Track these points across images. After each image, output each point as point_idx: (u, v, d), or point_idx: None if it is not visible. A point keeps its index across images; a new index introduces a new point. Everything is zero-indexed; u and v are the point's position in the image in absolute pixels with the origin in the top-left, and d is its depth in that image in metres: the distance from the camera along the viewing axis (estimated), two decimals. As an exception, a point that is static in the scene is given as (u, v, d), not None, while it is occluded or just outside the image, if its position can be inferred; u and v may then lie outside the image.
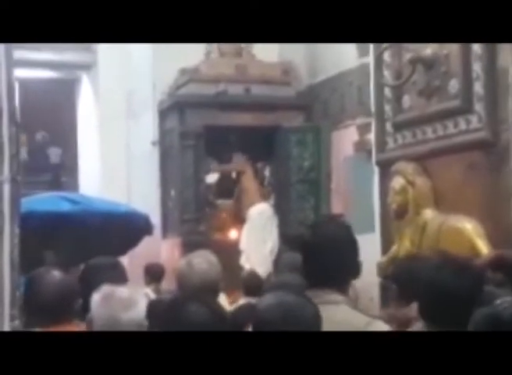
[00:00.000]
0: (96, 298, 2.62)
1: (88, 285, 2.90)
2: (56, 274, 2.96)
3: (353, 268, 2.66)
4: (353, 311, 2.63)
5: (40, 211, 5.69)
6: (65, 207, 6.01)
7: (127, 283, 3.25)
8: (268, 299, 2.25)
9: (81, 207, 6.07)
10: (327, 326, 2.27)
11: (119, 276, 3.36)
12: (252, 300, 4.19)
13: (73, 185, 12.12)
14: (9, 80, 2.48)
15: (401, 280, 3.00)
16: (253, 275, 4.42)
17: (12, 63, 2.50)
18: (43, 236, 5.50)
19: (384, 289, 4.69)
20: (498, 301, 2.39)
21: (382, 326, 2.61)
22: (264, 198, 8.49)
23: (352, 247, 2.69)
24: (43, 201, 6.09)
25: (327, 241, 2.66)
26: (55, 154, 13.60)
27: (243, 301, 5.15)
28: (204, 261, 3.36)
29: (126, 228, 6.63)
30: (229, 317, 2.72)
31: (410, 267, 3.05)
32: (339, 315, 2.54)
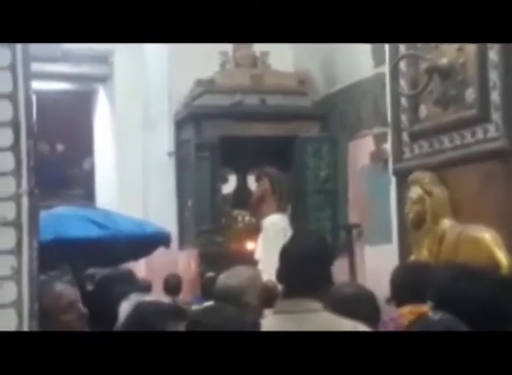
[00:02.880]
0: (126, 307, 2.63)
1: (104, 294, 2.90)
2: (59, 287, 2.95)
3: (327, 277, 2.84)
4: (335, 316, 2.73)
5: (69, 238, 5.70)
6: (94, 232, 5.98)
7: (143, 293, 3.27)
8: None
9: (109, 232, 6.06)
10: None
11: (133, 287, 3.38)
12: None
13: (90, 196, 12.17)
14: (27, 94, 2.49)
15: (399, 283, 3.15)
16: (268, 286, 4.42)
17: (29, 77, 2.51)
18: (71, 261, 5.50)
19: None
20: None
21: (366, 329, 2.74)
22: (281, 208, 8.48)
23: (327, 257, 2.89)
24: (71, 225, 6.04)
25: (304, 252, 2.82)
26: (87, 164, 13.44)
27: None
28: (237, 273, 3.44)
29: (150, 247, 6.73)
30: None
31: (415, 272, 3.19)
32: (322, 321, 2.62)
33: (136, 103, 10.00)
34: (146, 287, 7.57)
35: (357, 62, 8.01)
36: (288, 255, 2.87)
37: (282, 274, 2.86)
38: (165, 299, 7.12)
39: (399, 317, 3.11)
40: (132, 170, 10.08)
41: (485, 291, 2.56)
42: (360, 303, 2.99)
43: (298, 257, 2.81)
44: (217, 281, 3.40)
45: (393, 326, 2.98)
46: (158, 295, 7.55)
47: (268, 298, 4.32)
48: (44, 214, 6.53)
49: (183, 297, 7.50)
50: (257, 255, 8.12)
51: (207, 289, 5.47)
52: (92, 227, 6.06)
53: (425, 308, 2.92)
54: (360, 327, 2.77)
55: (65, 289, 3.01)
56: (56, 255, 5.17)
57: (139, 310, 2.41)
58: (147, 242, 6.65)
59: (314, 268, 2.79)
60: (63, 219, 6.17)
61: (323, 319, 2.71)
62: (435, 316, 2.40)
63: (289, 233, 8.08)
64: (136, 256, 7.07)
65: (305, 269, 2.76)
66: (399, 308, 3.17)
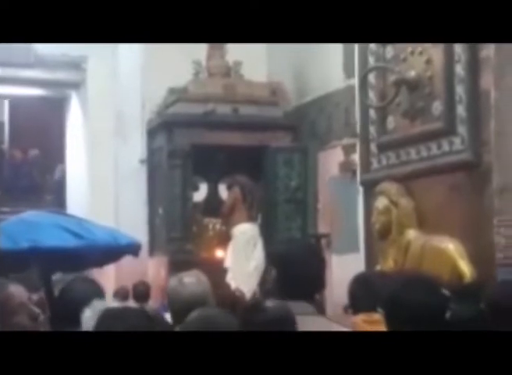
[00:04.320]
0: (89, 314, 2.65)
1: (68, 300, 2.92)
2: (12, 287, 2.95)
3: (320, 282, 3.00)
4: (328, 320, 2.81)
5: (45, 247, 5.71)
6: (71, 242, 5.98)
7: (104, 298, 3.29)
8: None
9: (85, 242, 6.06)
10: None
11: (96, 292, 3.42)
12: None
13: (61, 203, 12.13)
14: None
15: (356, 292, 3.24)
16: (234, 294, 4.46)
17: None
18: (46, 271, 5.50)
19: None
20: None
21: None
22: (251, 217, 8.52)
23: (320, 264, 3.03)
24: (46, 234, 6.03)
25: (299, 258, 2.95)
26: (59, 170, 13.40)
27: None
28: (194, 279, 3.46)
29: (120, 256, 6.77)
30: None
31: (370, 281, 3.31)
32: (314, 325, 2.68)
33: (109, 110, 10.00)
34: (124, 295, 7.60)
35: (329, 73, 8.09)
36: (286, 261, 2.99)
37: (279, 278, 2.97)
38: (133, 306, 7.14)
39: (352, 325, 3.19)
40: (104, 177, 10.07)
41: (432, 299, 2.63)
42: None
43: (296, 262, 2.94)
44: (176, 289, 3.40)
45: None
46: (127, 302, 7.56)
47: (232, 305, 4.38)
48: (15, 219, 6.55)
49: (152, 304, 7.50)
50: (227, 263, 8.16)
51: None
52: (67, 236, 6.06)
53: (377, 316, 2.99)
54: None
55: (16, 290, 2.96)
56: (30, 261, 5.20)
57: (106, 316, 2.43)
58: (119, 252, 6.70)
59: (311, 273, 2.93)
60: (37, 226, 6.16)
61: (315, 323, 2.80)
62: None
63: (258, 242, 8.15)
64: (105, 263, 7.12)
65: (302, 274, 2.89)
66: (354, 315, 3.26)
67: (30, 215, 6.79)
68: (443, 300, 2.62)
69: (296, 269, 2.90)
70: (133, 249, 6.78)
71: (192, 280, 3.43)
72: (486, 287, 3.49)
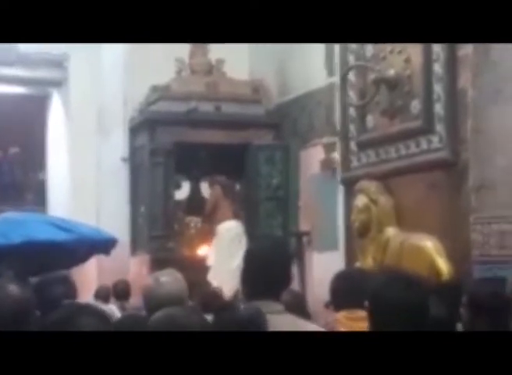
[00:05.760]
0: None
1: (40, 299, 2.93)
2: (12, 287, 2.97)
3: (287, 280, 2.98)
4: (298, 318, 2.83)
5: (39, 240, 5.70)
6: (62, 236, 5.97)
7: (77, 297, 3.29)
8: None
9: (75, 236, 6.07)
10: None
11: (68, 291, 3.44)
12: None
13: (41, 201, 12.09)
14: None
15: (338, 288, 3.24)
16: (210, 293, 4.46)
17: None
18: (40, 264, 5.48)
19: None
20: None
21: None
22: (237, 215, 8.53)
23: (287, 261, 3.03)
24: (37, 229, 6.02)
25: (267, 255, 2.92)
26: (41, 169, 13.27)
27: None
28: (170, 278, 3.47)
29: (102, 252, 6.76)
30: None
31: (352, 278, 3.30)
32: (287, 322, 2.69)
33: (91, 108, 9.98)
34: (105, 294, 7.57)
35: (311, 71, 8.10)
36: (251, 259, 2.96)
37: (246, 277, 2.94)
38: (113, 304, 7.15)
39: (333, 322, 3.20)
40: (85, 175, 10.05)
41: (415, 296, 2.65)
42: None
43: (261, 260, 2.90)
44: (152, 287, 3.41)
45: (328, 329, 3.06)
46: (107, 301, 7.55)
47: (211, 303, 4.40)
48: None
49: (134, 302, 7.50)
50: (210, 261, 8.15)
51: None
52: (56, 231, 6.07)
53: (359, 313, 3.01)
54: (322, 331, 2.87)
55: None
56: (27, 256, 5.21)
57: (62, 310, 2.40)
58: (103, 249, 6.68)
59: (277, 271, 2.89)
60: (25, 223, 6.16)
61: (288, 321, 2.80)
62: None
63: (243, 239, 8.13)
64: (90, 257, 7.05)
65: (268, 272, 2.85)
66: (336, 312, 3.26)
67: (13, 214, 6.78)
68: (424, 297, 2.63)
69: (261, 265, 2.86)
70: (112, 244, 6.78)
71: (168, 279, 3.44)
72: (464, 285, 3.52)
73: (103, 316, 2.32)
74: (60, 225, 6.18)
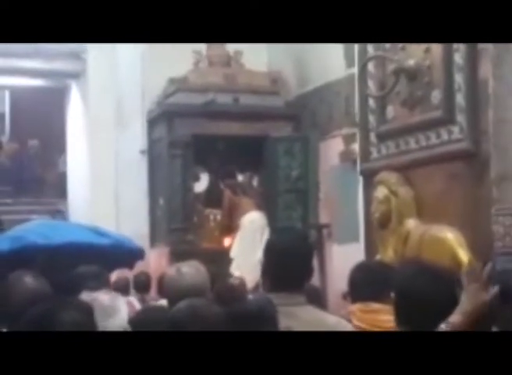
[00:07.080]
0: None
1: (73, 293, 2.93)
2: (28, 280, 2.97)
3: (309, 272, 2.97)
4: (320, 310, 2.82)
5: (78, 242, 5.68)
6: (100, 240, 5.92)
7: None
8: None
9: (113, 241, 6.02)
10: (299, 326, 2.42)
11: (102, 285, 3.41)
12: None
13: (61, 194, 12.14)
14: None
15: (357, 280, 3.23)
16: (225, 285, 4.45)
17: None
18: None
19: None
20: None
21: (347, 324, 2.93)
22: (259, 207, 8.52)
23: (309, 253, 3.01)
24: (74, 232, 5.99)
25: (289, 247, 2.91)
26: (62, 162, 13.24)
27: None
28: (193, 269, 3.46)
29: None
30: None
31: (371, 270, 3.29)
32: (308, 314, 2.70)
33: (109, 100, 10.00)
34: (124, 285, 7.55)
35: (330, 62, 8.07)
36: (273, 251, 2.95)
37: (267, 269, 2.94)
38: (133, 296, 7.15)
39: (348, 314, 3.19)
40: (104, 168, 10.08)
41: (443, 288, 2.62)
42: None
43: (283, 252, 2.89)
44: (174, 278, 3.40)
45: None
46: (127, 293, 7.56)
47: (225, 296, 4.39)
48: (33, 223, 6.46)
49: (153, 295, 7.51)
50: (233, 253, 8.15)
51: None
52: (93, 235, 6.02)
53: (373, 305, 2.99)
54: (343, 322, 2.91)
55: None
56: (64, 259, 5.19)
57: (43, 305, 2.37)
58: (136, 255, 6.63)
59: (299, 263, 2.89)
60: (61, 226, 6.19)
61: (308, 313, 2.81)
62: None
63: (266, 231, 8.11)
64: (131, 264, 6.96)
65: (290, 264, 2.85)
66: (352, 304, 3.25)
67: (44, 220, 6.79)
68: (452, 289, 2.61)
69: (282, 258, 2.86)
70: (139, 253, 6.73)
71: (190, 271, 3.43)
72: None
73: (86, 310, 2.29)
74: (97, 230, 6.18)
